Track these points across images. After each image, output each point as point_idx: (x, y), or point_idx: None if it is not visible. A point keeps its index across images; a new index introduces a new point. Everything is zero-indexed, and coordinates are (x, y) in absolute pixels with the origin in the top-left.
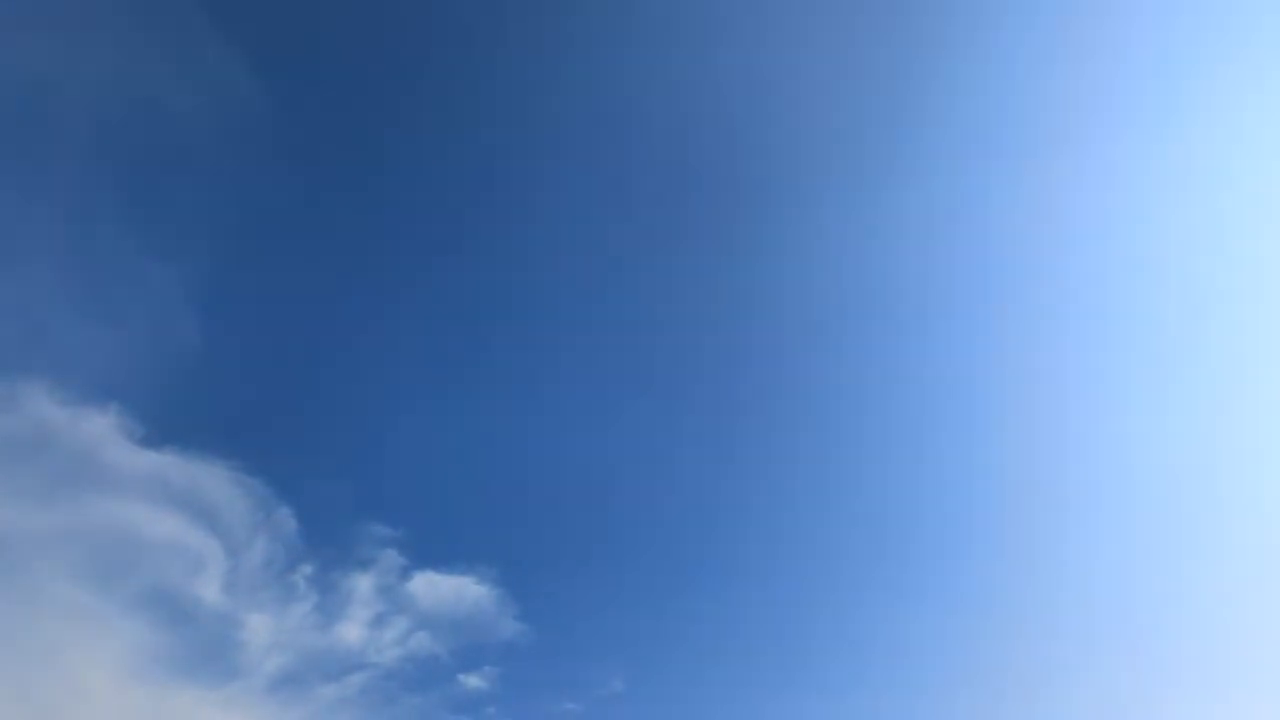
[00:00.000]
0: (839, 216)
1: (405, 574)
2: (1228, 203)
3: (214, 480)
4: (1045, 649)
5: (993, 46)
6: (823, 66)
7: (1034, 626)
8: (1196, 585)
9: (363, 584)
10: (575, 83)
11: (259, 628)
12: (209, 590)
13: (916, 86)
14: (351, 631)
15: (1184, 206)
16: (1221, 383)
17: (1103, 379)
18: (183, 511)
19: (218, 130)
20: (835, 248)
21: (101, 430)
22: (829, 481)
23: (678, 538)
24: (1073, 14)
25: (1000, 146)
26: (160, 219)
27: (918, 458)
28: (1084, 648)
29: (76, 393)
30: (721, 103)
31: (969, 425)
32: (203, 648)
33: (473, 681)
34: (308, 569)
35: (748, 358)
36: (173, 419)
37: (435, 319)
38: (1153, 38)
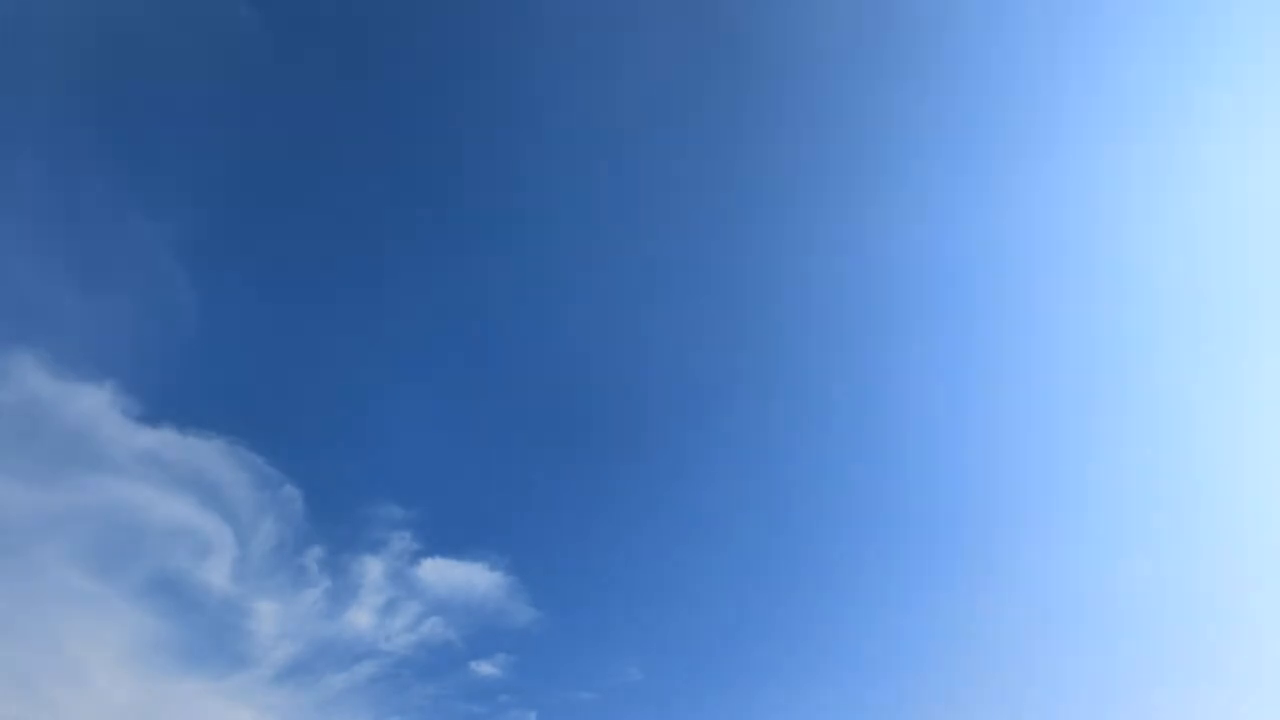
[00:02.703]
0: (837, 217)
1: (416, 558)
2: (1225, 204)
3: (216, 458)
4: (1042, 644)
5: (992, 49)
6: (820, 69)
7: (1032, 623)
8: (1194, 584)
9: (373, 568)
10: (577, 77)
11: (267, 614)
12: (214, 575)
13: (915, 89)
14: (362, 618)
15: (1182, 208)
16: (1219, 383)
17: (1100, 379)
18: (185, 492)
19: (209, 71)
20: (834, 249)
21: (97, 406)
22: (832, 477)
23: (693, 527)
24: (1072, 15)
25: (999, 149)
26: (149, 171)
27: (918, 457)
28: (1080, 644)
29: (69, 366)
30: (719, 103)
31: (967, 425)
32: (208, 635)
33: (486, 669)
34: (317, 551)
35: (748, 355)
36: (170, 394)
37: (452, 287)
38: (1151, 39)
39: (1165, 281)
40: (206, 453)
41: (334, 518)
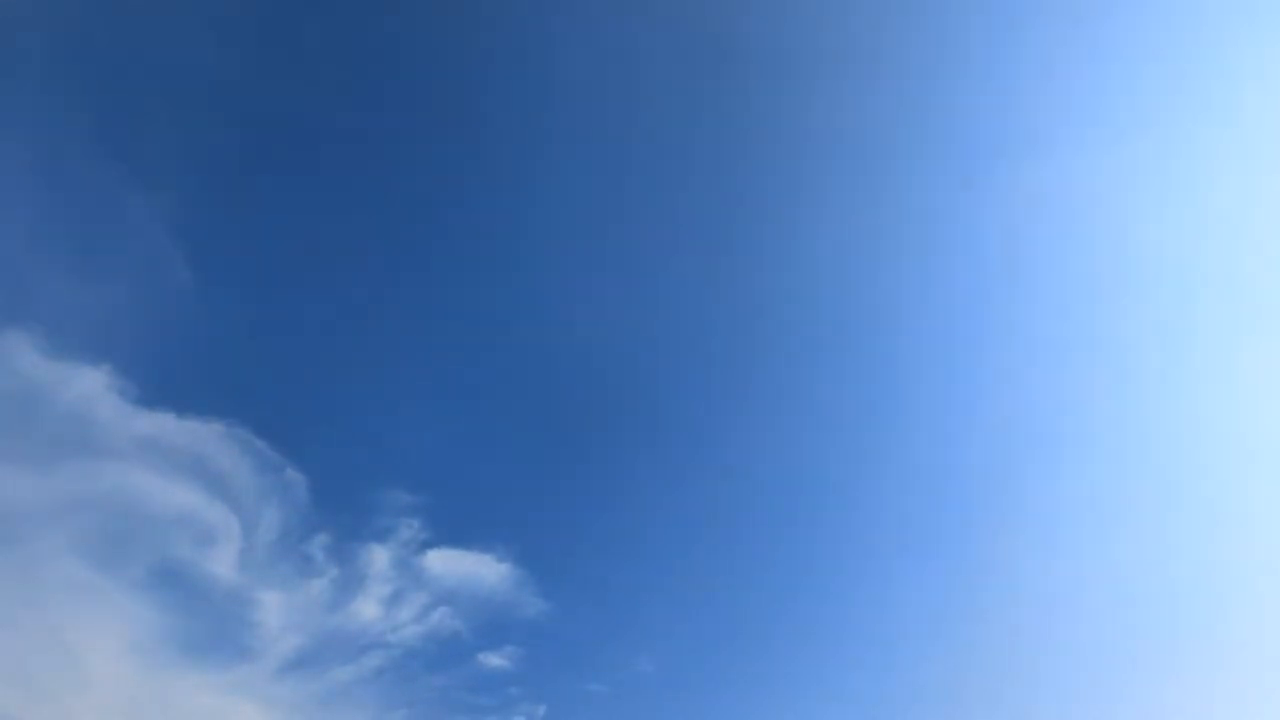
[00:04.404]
0: (838, 219)
1: (424, 547)
2: (1226, 204)
3: (216, 443)
4: (1044, 644)
5: (993, 50)
6: (822, 70)
7: (1036, 622)
8: (1191, 585)
9: (380, 557)
10: (577, 79)
11: (271, 605)
12: (218, 565)
13: (915, 89)
14: (368, 608)
15: (1182, 208)
16: (1220, 383)
17: (1100, 381)
18: (186, 478)
19: (206, 47)
20: (833, 250)
21: (94, 389)
22: (839, 476)
23: (703, 520)
24: (1072, 15)
25: (999, 151)
26: (144, 148)
27: (922, 459)
28: (1081, 644)
29: (63, 348)
30: (720, 104)
31: (968, 426)
32: (211, 627)
33: (494, 661)
34: (323, 539)
35: (756, 356)
36: (168, 376)
37: (462, 270)
38: (1151, 39)
39: (1166, 282)
40: (206, 437)
41: (339, 504)
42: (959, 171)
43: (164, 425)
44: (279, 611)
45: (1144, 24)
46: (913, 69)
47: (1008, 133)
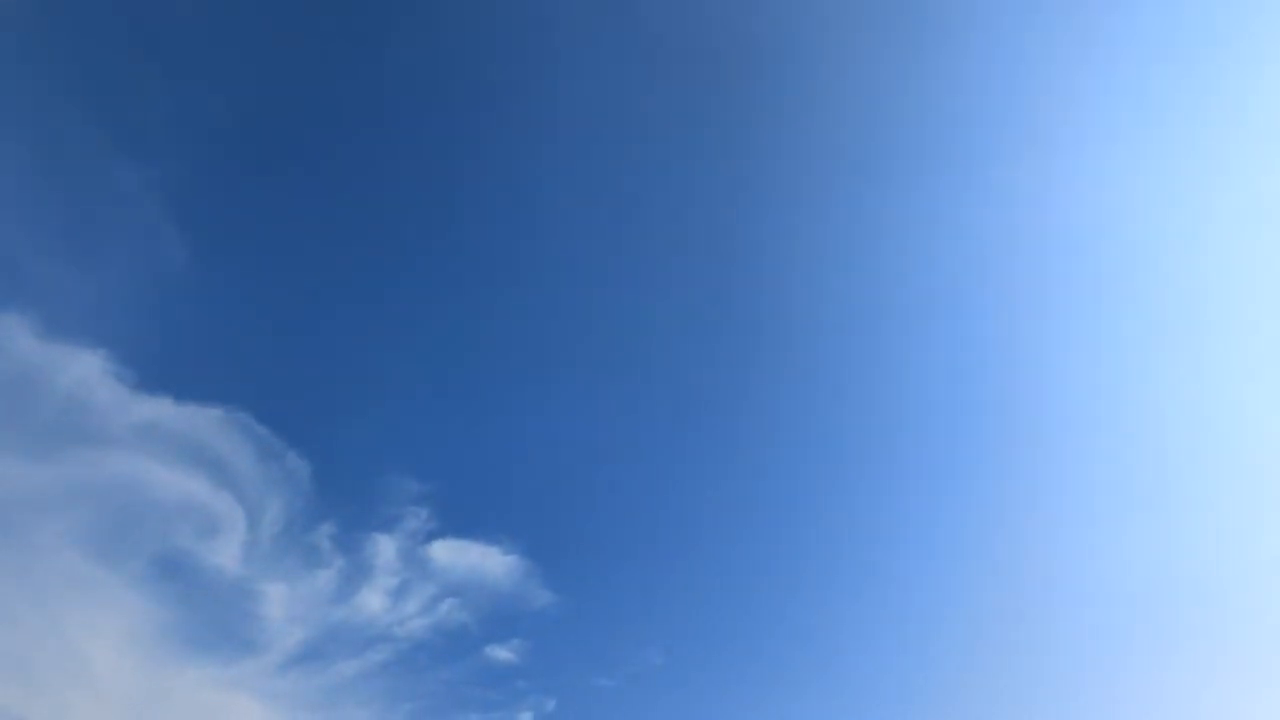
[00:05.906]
0: (838, 217)
1: (430, 537)
2: (1225, 203)
3: (216, 429)
4: (1046, 641)
5: (993, 47)
6: (822, 68)
7: (1039, 619)
8: (1193, 585)
9: (386, 547)
10: (576, 76)
11: (275, 597)
12: (221, 556)
13: (914, 86)
14: (374, 600)
15: (1182, 206)
16: (1221, 381)
17: (1099, 378)
18: (187, 466)
19: (201, 6)
20: (833, 248)
21: (91, 374)
22: (843, 472)
23: (712, 514)
24: (1074, 14)
25: (998, 148)
26: (138, 120)
27: (923, 456)
28: (1083, 642)
29: (58, 331)
30: (720, 104)
31: (968, 425)
32: (214, 620)
33: (501, 654)
34: (328, 528)
35: (761, 353)
36: (166, 360)
37: (471, 246)
38: (1153, 38)
39: (1168, 281)
40: (206, 423)
41: (344, 492)
42: (959, 171)
43: (163, 411)
44: (283, 604)
45: (1145, 22)
46: (913, 69)
47: (1008, 132)
